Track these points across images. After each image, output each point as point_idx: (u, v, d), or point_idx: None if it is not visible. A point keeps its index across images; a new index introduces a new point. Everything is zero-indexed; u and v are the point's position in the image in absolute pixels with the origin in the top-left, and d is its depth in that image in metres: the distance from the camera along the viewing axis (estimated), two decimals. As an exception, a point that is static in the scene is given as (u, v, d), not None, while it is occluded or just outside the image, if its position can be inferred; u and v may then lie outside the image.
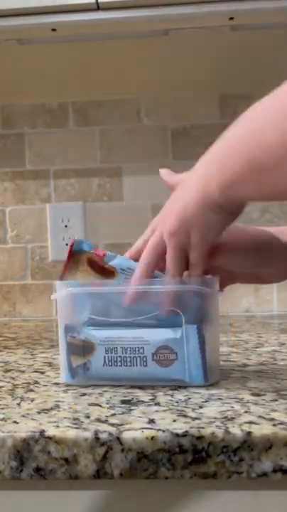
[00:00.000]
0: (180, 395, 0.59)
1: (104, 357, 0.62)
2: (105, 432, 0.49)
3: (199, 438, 0.48)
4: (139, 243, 0.64)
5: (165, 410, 0.54)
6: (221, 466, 0.48)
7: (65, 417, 0.53)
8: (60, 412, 0.55)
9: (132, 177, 1.20)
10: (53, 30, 0.95)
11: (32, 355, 0.84)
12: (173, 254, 0.59)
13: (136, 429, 0.49)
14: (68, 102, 1.21)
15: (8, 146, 1.23)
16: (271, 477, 0.48)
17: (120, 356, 0.61)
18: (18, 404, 0.58)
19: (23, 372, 0.73)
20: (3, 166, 1.23)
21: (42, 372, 0.72)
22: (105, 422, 0.51)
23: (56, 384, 0.65)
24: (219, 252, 0.61)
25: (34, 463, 0.49)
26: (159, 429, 0.49)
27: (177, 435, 0.48)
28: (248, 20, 0.97)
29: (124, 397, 0.59)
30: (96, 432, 0.49)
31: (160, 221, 0.61)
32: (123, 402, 0.57)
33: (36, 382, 0.67)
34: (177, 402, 0.56)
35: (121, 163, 1.21)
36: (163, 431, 0.48)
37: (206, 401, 0.56)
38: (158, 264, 0.61)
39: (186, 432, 0.48)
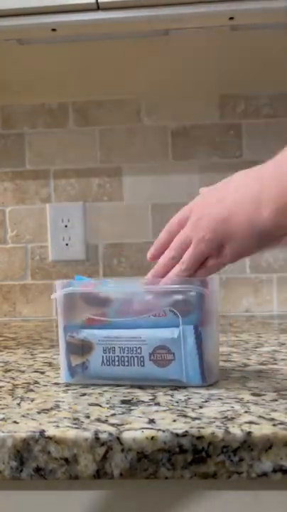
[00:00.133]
0: (180, 395, 0.59)
1: (102, 356, 0.62)
2: (105, 431, 0.49)
3: (199, 438, 0.48)
4: (164, 237, 0.62)
5: (165, 410, 0.54)
6: (221, 466, 0.48)
7: (65, 417, 0.53)
8: (60, 412, 0.55)
9: (132, 177, 1.20)
10: (53, 30, 0.95)
11: (32, 355, 0.84)
12: (195, 254, 0.58)
13: (136, 429, 0.49)
14: (68, 102, 1.21)
15: (8, 146, 1.23)
16: (271, 477, 0.48)
17: (118, 356, 0.61)
18: (18, 404, 0.58)
19: (23, 372, 0.73)
20: (3, 166, 1.23)
21: (42, 372, 0.72)
22: (105, 422, 0.51)
23: (56, 384, 0.65)
24: None
25: (34, 463, 0.49)
26: (159, 429, 0.49)
27: (177, 435, 0.48)
28: (248, 20, 0.96)
29: (124, 397, 0.59)
30: (96, 432, 0.49)
31: (192, 219, 0.59)
32: (123, 402, 0.57)
33: (36, 382, 0.67)
34: (177, 402, 0.56)
35: (121, 163, 1.21)
36: (163, 431, 0.48)
37: (206, 401, 0.56)
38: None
39: (186, 431, 0.48)
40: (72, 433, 0.49)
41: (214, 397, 0.57)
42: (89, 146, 1.21)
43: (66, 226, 1.21)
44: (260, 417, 0.51)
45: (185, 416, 0.52)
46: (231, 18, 0.93)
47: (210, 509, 0.51)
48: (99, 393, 0.60)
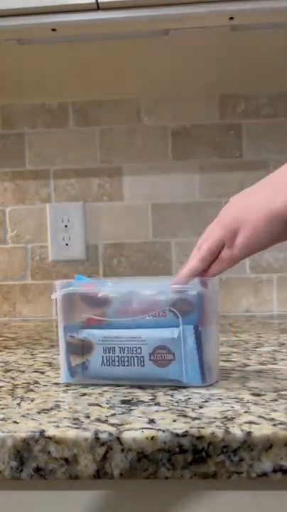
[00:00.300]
0: (180, 395, 0.59)
1: (102, 356, 0.62)
2: (105, 431, 0.49)
3: (199, 438, 0.48)
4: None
5: (165, 410, 0.54)
6: (221, 466, 0.48)
7: (65, 417, 0.53)
8: (60, 412, 0.55)
9: (132, 177, 1.20)
10: (53, 30, 0.95)
11: (32, 355, 0.84)
12: (210, 243, 0.60)
13: (136, 429, 0.49)
14: (68, 102, 1.21)
15: (8, 146, 1.23)
16: (271, 477, 0.48)
17: (118, 356, 0.61)
18: (18, 404, 0.58)
19: (23, 372, 0.73)
20: (3, 166, 1.23)
21: (42, 372, 0.72)
22: (105, 422, 0.51)
23: (56, 384, 0.65)
24: None
25: (34, 463, 0.49)
26: (159, 429, 0.49)
27: (177, 435, 0.48)
28: (248, 20, 0.96)
29: (124, 397, 0.59)
30: (96, 432, 0.49)
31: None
32: (123, 402, 0.57)
33: (36, 382, 0.67)
34: (177, 402, 0.56)
35: (121, 163, 1.21)
36: (163, 431, 0.48)
37: (206, 401, 0.56)
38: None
39: (186, 432, 0.48)
40: (72, 433, 0.49)
41: (214, 397, 0.57)
42: (89, 146, 1.21)
43: (66, 226, 1.21)
44: (260, 417, 0.51)
45: (185, 416, 0.52)
46: (231, 18, 0.93)
47: (210, 509, 0.51)
48: (99, 393, 0.60)
